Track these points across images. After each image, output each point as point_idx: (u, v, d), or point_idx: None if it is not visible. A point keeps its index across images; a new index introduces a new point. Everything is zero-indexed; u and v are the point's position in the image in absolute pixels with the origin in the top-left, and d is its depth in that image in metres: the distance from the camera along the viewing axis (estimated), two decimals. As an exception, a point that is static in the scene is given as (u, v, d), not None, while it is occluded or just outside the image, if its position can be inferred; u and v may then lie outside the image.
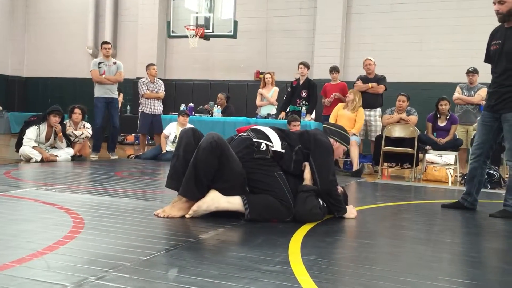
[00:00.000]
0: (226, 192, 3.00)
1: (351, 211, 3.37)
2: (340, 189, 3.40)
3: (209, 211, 3.00)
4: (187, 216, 2.99)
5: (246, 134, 3.24)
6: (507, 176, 4.16)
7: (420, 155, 7.26)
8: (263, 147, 3.12)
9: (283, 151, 3.15)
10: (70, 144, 7.04)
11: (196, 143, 3.02)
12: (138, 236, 2.47)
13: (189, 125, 8.03)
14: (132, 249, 2.21)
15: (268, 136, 3.19)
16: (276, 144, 3.16)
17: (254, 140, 3.14)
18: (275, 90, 8.79)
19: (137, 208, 3.32)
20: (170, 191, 3.24)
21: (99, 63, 7.92)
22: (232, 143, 3.19)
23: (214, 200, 2.98)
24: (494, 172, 6.14)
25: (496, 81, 3.85)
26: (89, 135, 7.50)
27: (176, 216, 2.99)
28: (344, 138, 3.52)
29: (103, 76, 7.86)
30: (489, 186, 6.00)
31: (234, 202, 3.00)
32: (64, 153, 6.81)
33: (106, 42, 8.19)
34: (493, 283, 2.07)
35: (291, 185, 3.14)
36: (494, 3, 3.72)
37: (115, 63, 8.05)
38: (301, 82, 8.16)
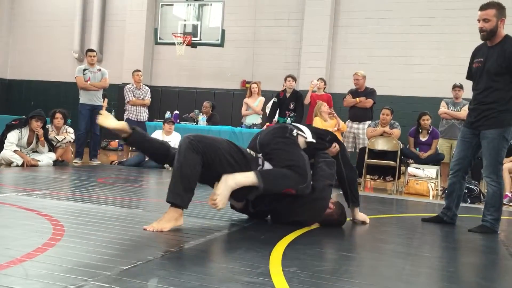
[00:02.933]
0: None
1: (364, 216, 3.72)
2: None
3: (231, 189, 2.96)
4: (218, 208, 2.92)
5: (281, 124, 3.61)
6: (486, 191, 4.23)
7: (402, 168, 7.35)
8: (294, 132, 3.34)
9: (313, 140, 3.44)
10: (52, 149, 6.97)
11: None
12: (119, 245, 2.46)
13: (175, 133, 8.03)
14: (112, 258, 2.19)
15: (301, 129, 3.45)
16: (308, 135, 3.44)
17: (288, 126, 3.39)
18: (261, 100, 8.83)
19: (119, 216, 3.30)
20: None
21: (84, 69, 7.89)
22: (265, 130, 3.52)
23: (229, 178, 2.95)
24: (474, 187, 6.23)
25: (476, 98, 3.92)
26: (72, 140, 7.44)
27: (166, 229, 2.85)
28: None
29: (88, 82, 7.82)
30: (469, 201, 6.08)
31: (248, 175, 3.01)
32: (46, 157, 6.74)
33: (91, 50, 8.16)
34: (470, 298, 2.10)
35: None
36: (479, 21, 3.79)
37: (100, 70, 8.03)
38: (288, 94, 8.22)
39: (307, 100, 8.36)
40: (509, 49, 3.69)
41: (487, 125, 3.80)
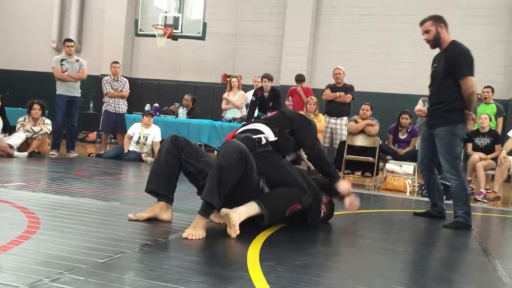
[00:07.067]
0: (241, 201, 2.92)
1: (345, 184, 3.46)
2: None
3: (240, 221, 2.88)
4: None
5: (244, 135, 3.24)
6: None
7: (381, 164, 7.42)
8: (263, 141, 3.18)
9: (276, 138, 3.27)
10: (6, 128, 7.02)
11: (176, 148, 2.97)
12: (95, 238, 2.44)
13: (154, 126, 7.96)
14: (89, 251, 2.17)
15: (261, 130, 3.27)
16: (270, 135, 3.26)
17: (253, 137, 3.18)
18: (241, 94, 8.82)
19: (96, 209, 3.27)
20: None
21: (62, 60, 7.77)
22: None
23: (238, 213, 2.86)
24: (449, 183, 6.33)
25: (430, 99, 4.32)
26: (49, 131, 7.33)
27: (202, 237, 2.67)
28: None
29: (66, 73, 7.70)
30: (445, 197, 6.17)
31: (251, 206, 2.93)
32: (15, 138, 6.70)
33: (69, 40, 8.02)
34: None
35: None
36: (423, 34, 4.13)
37: (77, 60, 7.91)
38: (266, 94, 8.21)
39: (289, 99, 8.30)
40: (450, 52, 4.03)
41: (438, 124, 4.07)
